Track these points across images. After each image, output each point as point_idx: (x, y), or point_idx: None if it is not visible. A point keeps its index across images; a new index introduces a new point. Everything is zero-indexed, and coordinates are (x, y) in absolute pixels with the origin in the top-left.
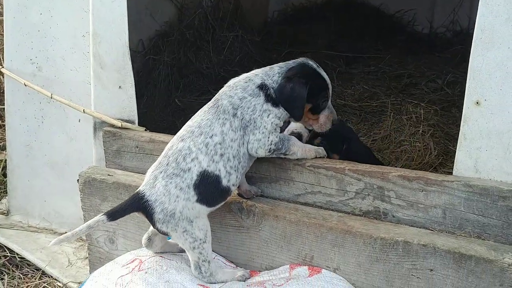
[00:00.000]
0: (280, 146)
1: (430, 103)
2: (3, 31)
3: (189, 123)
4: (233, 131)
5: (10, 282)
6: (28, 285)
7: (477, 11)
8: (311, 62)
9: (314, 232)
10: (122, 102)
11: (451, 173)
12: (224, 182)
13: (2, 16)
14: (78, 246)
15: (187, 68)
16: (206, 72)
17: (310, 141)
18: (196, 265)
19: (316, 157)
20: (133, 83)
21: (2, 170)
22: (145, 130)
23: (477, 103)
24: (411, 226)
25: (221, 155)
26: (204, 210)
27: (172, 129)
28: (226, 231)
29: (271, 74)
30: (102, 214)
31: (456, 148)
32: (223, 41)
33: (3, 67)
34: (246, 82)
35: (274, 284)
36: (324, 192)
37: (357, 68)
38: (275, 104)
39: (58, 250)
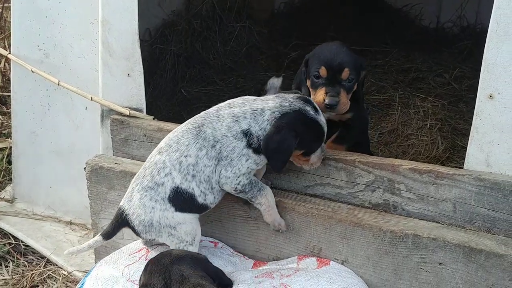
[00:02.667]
0: (247, 190)
1: (437, 98)
2: (9, 17)
3: (170, 135)
4: (207, 159)
5: (14, 270)
6: (33, 273)
7: (484, 7)
8: (309, 108)
9: (323, 224)
10: (131, 90)
11: (458, 168)
12: (200, 200)
13: (9, 2)
14: (84, 235)
15: (194, 58)
16: (213, 63)
17: None
18: None
19: (273, 227)
20: (142, 71)
21: (7, 157)
22: (153, 119)
23: (490, 96)
24: (421, 219)
25: (193, 176)
26: (191, 216)
27: (178, 119)
28: (233, 221)
29: (260, 120)
30: (99, 234)
31: (463, 143)
32: (230, 31)
33: (10, 53)
34: (233, 122)
35: (282, 275)
36: (333, 184)
37: None
38: (257, 151)
39: (63, 239)
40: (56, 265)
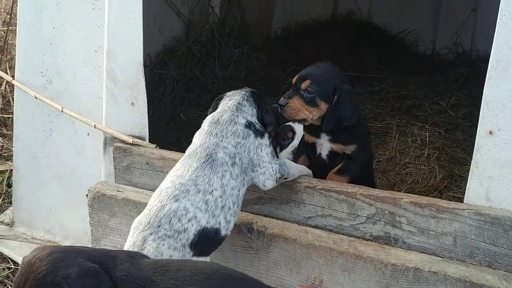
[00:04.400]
0: (283, 172)
1: (434, 126)
2: (12, 40)
3: (180, 180)
4: (233, 180)
5: None
6: None
7: (480, 34)
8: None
9: (325, 255)
10: (134, 119)
11: (457, 197)
12: (223, 232)
13: (14, 26)
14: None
15: (193, 83)
16: (211, 88)
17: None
18: None
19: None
20: (146, 100)
21: (6, 180)
22: (156, 147)
23: (490, 132)
24: (422, 252)
25: (222, 207)
26: (204, 259)
27: (177, 144)
28: (234, 251)
29: (246, 110)
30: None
31: (460, 172)
32: (229, 57)
33: (13, 79)
34: (233, 126)
35: None
36: (335, 215)
37: (360, 88)
38: (262, 135)
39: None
40: None
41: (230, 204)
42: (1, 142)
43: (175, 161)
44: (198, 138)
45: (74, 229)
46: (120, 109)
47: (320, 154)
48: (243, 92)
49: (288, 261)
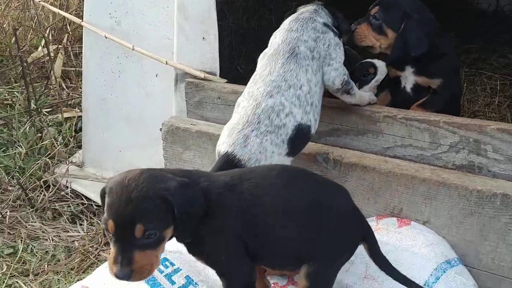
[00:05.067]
0: (348, 80)
1: (504, 75)
2: None
3: (268, 78)
4: (314, 75)
5: (88, 228)
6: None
7: None
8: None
9: (405, 183)
10: (205, 53)
11: None
12: (312, 130)
13: None
14: None
15: (249, 35)
16: (267, 41)
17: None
18: None
19: (369, 104)
20: (217, 34)
21: (74, 125)
22: (226, 82)
23: None
24: (508, 181)
25: (311, 104)
26: (286, 161)
27: None
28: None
29: (322, 15)
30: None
31: None
32: (284, 10)
33: (82, 21)
34: (312, 23)
35: None
36: (415, 145)
37: None
38: (339, 37)
39: None
40: None
41: (316, 102)
42: (68, 91)
43: None
44: (279, 36)
45: None
46: (191, 45)
47: (404, 87)
48: (317, 3)
49: (365, 190)
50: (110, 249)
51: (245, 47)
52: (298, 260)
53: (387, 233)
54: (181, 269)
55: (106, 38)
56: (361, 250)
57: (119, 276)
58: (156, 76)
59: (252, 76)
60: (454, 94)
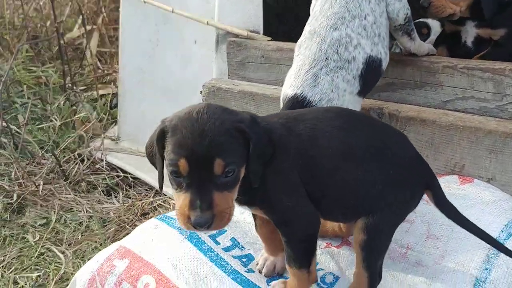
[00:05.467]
0: (411, 19)
1: None
2: None
3: (330, 11)
4: (377, 4)
5: (124, 200)
6: (143, 202)
7: None
8: None
9: (469, 137)
10: (248, 11)
11: None
12: (384, 65)
13: None
14: None
15: (286, 14)
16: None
17: None
18: None
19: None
20: None
21: (110, 102)
22: (270, 39)
23: None
24: None
25: (379, 35)
26: (357, 102)
27: None
28: None
29: None
30: None
31: None
32: None
33: None
34: None
35: None
36: (477, 97)
37: None
38: None
39: None
40: (166, 195)
41: (383, 34)
42: (103, 68)
43: (293, 51)
44: None
45: None
46: (233, 4)
47: (465, 42)
48: None
49: (424, 147)
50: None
51: (281, 27)
52: (356, 209)
53: (449, 190)
54: (226, 230)
55: (144, 3)
56: (421, 208)
57: (201, 223)
58: (195, 42)
59: (311, 14)
60: None
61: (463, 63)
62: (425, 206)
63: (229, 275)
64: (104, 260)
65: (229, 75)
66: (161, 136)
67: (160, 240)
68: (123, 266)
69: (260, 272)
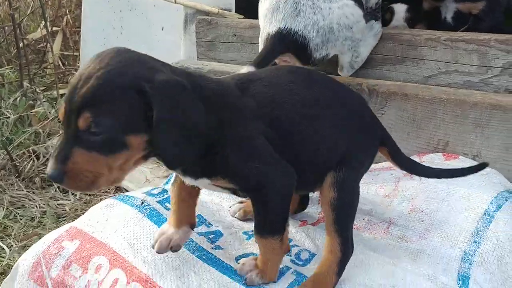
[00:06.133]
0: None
1: None
2: None
3: None
4: None
5: (81, 198)
6: (102, 198)
7: None
8: None
9: (453, 110)
10: None
11: None
12: None
13: None
14: (155, 166)
15: None
16: None
17: None
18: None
19: None
20: None
21: None
22: (243, 17)
23: None
24: None
25: None
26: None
27: None
28: None
29: None
30: (249, 64)
31: None
32: None
33: None
34: None
35: None
36: (461, 70)
37: None
38: None
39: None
40: (127, 191)
41: None
42: (63, 69)
43: None
44: None
45: None
46: None
47: (445, 18)
48: None
49: (405, 123)
50: None
51: None
52: (325, 165)
53: (434, 165)
54: None
55: None
56: (404, 183)
57: (51, 176)
58: (162, 29)
59: None
60: (498, 18)
61: (447, 35)
62: (408, 181)
63: (193, 253)
64: (52, 242)
65: (198, 57)
66: None
67: (116, 219)
68: (73, 248)
69: (152, 247)
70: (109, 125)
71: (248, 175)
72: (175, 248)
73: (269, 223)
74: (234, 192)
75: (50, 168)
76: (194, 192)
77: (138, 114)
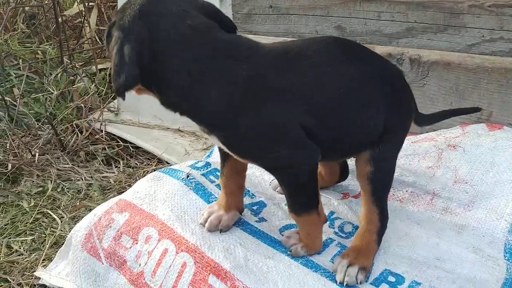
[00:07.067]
0: None
1: None
2: None
3: None
4: None
5: (125, 170)
6: (145, 170)
7: None
8: None
9: (498, 79)
10: None
11: None
12: None
13: None
14: (193, 139)
15: None
16: None
17: None
18: None
19: None
20: None
21: (109, 76)
22: None
23: None
24: None
25: None
26: None
27: None
28: None
29: None
30: None
31: None
32: None
33: None
34: None
35: (446, 137)
36: (507, 37)
37: None
38: None
39: (174, 142)
40: (169, 163)
41: None
42: (101, 45)
43: None
44: None
45: None
46: None
47: None
48: None
49: (448, 93)
50: None
51: None
52: (362, 141)
53: (478, 136)
54: None
55: None
56: (447, 154)
57: None
58: None
59: None
60: None
61: (492, 1)
62: (452, 152)
63: (238, 226)
64: (102, 214)
65: None
66: None
67: (163, 192)
68: (122, 220)
69: (202, 225)
70: None
71: (268, 157)
72: (224, 229)
73: (301, 201)
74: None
75: None
76: (241, 180)
77: None
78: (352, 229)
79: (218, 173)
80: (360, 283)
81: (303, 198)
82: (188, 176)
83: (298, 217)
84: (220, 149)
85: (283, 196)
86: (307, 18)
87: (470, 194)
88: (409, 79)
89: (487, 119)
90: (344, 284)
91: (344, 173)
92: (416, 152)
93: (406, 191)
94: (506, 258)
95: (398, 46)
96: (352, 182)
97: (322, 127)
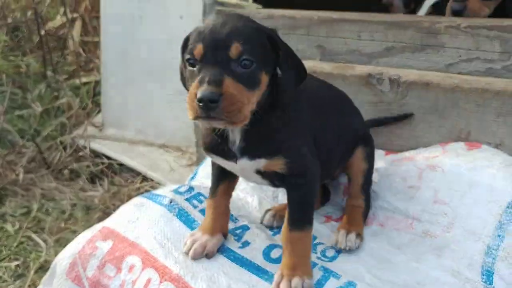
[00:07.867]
0: None
1: None
2: None
3: None
4: None
5: (109, 189)
6: (129, 189)
7: None
8: None
9: (475, 99)
10: None
11: None
12: None
13: None
14: (179, 154)
15: None
16: None
17: None
18: None
19: None
20: None
21: (93, 90)
22: (261, 7)
23: None
24: None
25: None
26: None
27: None
28: (361, 108)
29: None
30: None
31: None
32: None
33: None
34: None
35: (426, 157)
36: (483, 57)
37: None
38: None
39: (159, 158)
40: (153, 180)
41: None
42: (86, 57)
43: (286, 18)
44: None
45: (166, 126)
46: None
47: None
48: None
49: (427, 113)
50: None
51: None
52: (352, 142)
53: (457, 155)
54: None
55: None
56: (427, 174)
57: (206, 95)
58: (181, 18)
59: None
60: None
61: (467, 22)
62: (431, 172)
63: (221, 253)
64: (86, 242)
65: None
66: (185, 43)
67: (146, 218)
68: (106, 248)
69: (186, 253)
70: (255, 59)
71: (301, 158)
72: (210, 255)
73: (305, 212)
74: (271, 180)
75: (205, 90)
76: (229, 200)
77: (269, 55)
78: (335, 254)
79: (202, 198)
80: (358, 247)
81: (308, 214)
82: (171, 202)
83: (300, 232)
84: (218, 167)
85: (268, 223)
86: (289, 37)
87: (449, 216)
88: (389, 99)
89: (466, 138)
90: (347, 249)
91: (325, 196)
92: (397, 172)
93: (387, 214)
94: (483, 280)
95: (378, 66)
96: (334, 206)
97: (330, 130)
